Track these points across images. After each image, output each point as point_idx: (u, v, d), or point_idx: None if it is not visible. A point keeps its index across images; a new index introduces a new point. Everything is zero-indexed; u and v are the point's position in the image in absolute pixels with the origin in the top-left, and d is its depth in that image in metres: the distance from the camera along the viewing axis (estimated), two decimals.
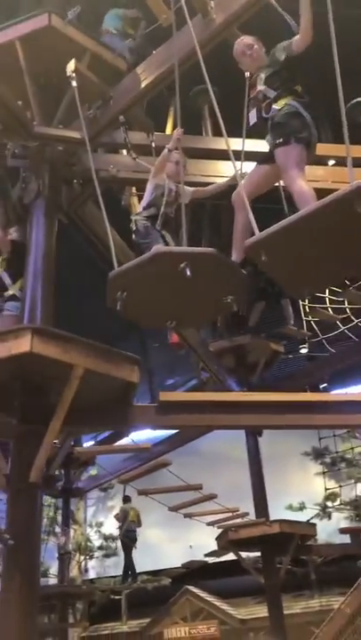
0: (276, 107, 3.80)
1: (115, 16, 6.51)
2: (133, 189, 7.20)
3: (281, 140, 3.68)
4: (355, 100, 6.80)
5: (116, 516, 14.37)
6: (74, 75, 4.68)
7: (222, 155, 6.83)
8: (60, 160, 5.19)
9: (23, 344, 3.62)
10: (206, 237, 9.87)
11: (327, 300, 10.69)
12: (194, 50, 4.64)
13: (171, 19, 4.85)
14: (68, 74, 4.70)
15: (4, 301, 5.37)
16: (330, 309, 10.63)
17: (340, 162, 6.47)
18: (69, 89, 4.81)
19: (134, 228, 4.31)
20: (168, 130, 7.04)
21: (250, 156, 4.46)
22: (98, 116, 5.27)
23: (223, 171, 6.73)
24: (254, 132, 4.13)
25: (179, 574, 15.55)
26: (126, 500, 13.73)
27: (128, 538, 14.07)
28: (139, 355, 4.46)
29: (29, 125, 5.13)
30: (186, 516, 8.17)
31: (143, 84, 5.11)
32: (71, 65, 4.74)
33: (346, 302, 10.48)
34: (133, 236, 4.34)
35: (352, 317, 11.09)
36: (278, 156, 3.71)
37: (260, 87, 3.94)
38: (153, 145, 5.61)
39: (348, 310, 10.91)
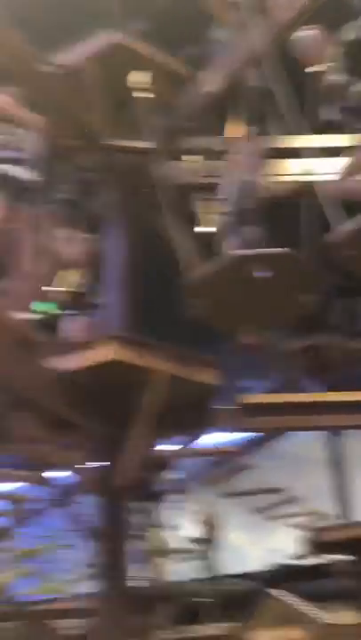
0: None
1: None
2: (203, 194, 7.23)
3: None
4: None
5: (201, 521, 14.40)
6: (139, 86, 4.79)
7: (289, 153, 6.79)
8: (132, 170, 5.30)
9: (107, 352, 3.72)
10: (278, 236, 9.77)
11: None
12: (256, 52, 4.67)
13: (233, 19, 4.89)
14: (134, 85, 4.82)
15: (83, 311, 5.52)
16: None
17: None
18: (137, 100, 4.93)
19: (217, 226, 4.31)
20: (235, 132, 7.03)
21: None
22: (167, 125, 5.35)
23: (290, 169, 6.66)
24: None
25: (265, 578, 15.40)
26: (205, 504, 13.76)
27: (209, 541, 14.09)
28: (214, 356, 4.49)
29: (100, 139, 5.28)
30: (269, 518, 8.10)
31: (209, 89, 5.14)
32: (137, 76, 4.86)
33: None
34: (216, 233, 4.33)
35: None
36: None
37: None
38: (221, 148, 5.61)
39: None
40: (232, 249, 4.00)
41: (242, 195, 4.20)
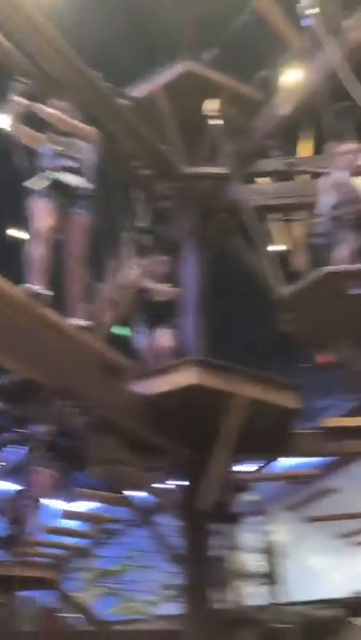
0: None
1: None
2: (277, 215, 7.23)
3: None
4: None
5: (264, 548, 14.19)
6: (213, 113, 4.89)
7: None
8: (207, 196, 5.40)
9: (189, 376, 3.77)
10: None
11: None
12: (328, 73, 4.66)
13: (303, 44, 4.92)
14: (208, 113, 4.92)
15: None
16: None
17: None
18: (210, 127, 5.03)
19: (315, 231, 4.31)
20: (305, 152, 7.01)
21: None
22: (240, 149, 5.41)
23: None
24: None
25: (345, 604, 14.84)
26: (269, 533, 13.62)
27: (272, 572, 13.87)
28: (289, 377, 4.44)
29: (176, 167, 5.41)
30: (351, 544, 7.83)
31: (282, 113, 5.17)
32: (211, 104, 4.97)
33: None
34: (314, 238, 4.33)
35: None
36: None
37: None
38: (292, 169, 5.62)
39: None
40: (325, 264, 3.95)
41: (341, 208, 4.17)
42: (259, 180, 6.96)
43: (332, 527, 7.98)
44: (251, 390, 3.94)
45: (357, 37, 4.64)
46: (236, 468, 6.11)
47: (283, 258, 8.22)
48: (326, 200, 4.39)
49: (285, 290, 3.54)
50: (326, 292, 3.39)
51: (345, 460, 10.14)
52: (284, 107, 5.20)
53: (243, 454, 5.19)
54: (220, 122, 4.80)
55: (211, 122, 4.98)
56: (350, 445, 4.41)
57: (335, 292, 3.32)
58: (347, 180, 4.33)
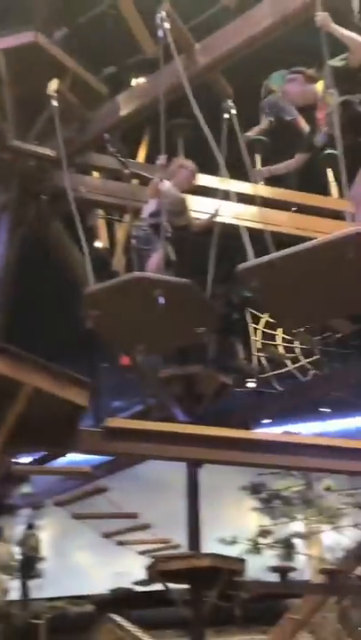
0: None
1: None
2: (101, 212, 7.25)
3: None
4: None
5: (17, 542, 14.15)
6: (55, 94, 4.73)
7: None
8: (31, 175, 5.19)
9: None
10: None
11: (279, 338, 10.92)
12: (175, 86, 4.81)
13: (156, 52, 5.00)
14: (50, 93, 4.75)
15: None
16: (281, 348, 10.87)
17: (303, 209, 6.73)
18: (49, 107, 4.85)
19: (134, 234, 4.37)
20: (141, 157, 7.15)
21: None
22: (74, 137, 5.31)
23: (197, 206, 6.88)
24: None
25: (103, 601, 15.26)
26: (30, 526, 13.64)
27: (27, 565, 13.88)
28: (87, 374, 4.47)
29: (4, 137, 5.13)
30: (119, 543, 8.06)
31: (122, 113, 5.20)
32: (53, 84, 4.80)
33: (297, 343, 10.73)
34: (133, 241, 4.39)
35: (300, 358, 11.36)
36: None
37: (334, 101, 3.83)
38: (126, 171, 5.68)
39: (297, 350, 11.16)
40: (139, 269, 4.04)
41: (159, 216, 4.28)
42: (95, 174, 6.94)
43: (102, 525, 8.13)
44: (39, 381, 3.86)
45: (205, 61, 4.87)
46: (15, 459, 5.94)
47: (103, 256, 8.29)
48: (149, 207, 4.52)
49: (93, 287, 3.52)
50: (132, 296, 3.44)
51: (124, 460, 10.47)
52: (125, 107, 5.24)
53: (24, 446, 5.06)
54: (58, 104, 4.64)
55: (50, 101, 4.79)
56: (130, 447, 4.52)
57: (140, 298, 3.39)
58: (171, 192, 4.50)
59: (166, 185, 4.52)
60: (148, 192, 4.47)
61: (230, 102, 4.75)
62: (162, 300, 3.29)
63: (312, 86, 4.01)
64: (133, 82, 6.37)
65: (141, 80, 5.90)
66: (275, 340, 10.95)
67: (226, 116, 4.66)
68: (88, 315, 3.49)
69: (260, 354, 11.22)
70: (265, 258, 3.14)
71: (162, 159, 4.39)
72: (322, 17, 3.66)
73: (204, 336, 3.67)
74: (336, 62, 3.71)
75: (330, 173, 7.85)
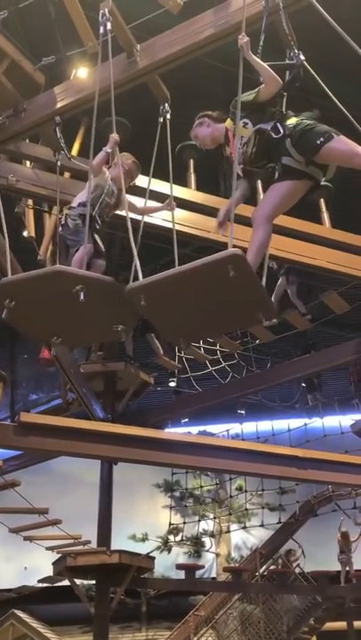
0: (289, 123, 3.80)
1: None
2: (30, 201, 7.12)
3: (323, 138, 3.67)
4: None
5: None
6: None
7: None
8: None
9: None
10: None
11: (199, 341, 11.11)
12: (114, 84, 4.81)
13: (95, 48, 4.97)
14: None
15: None
16: (202, 349, 11.07)
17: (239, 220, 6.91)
18: None
19: (63, 222, 4.29)
20: (74, 151, 7.08)
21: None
22: (7, 125, 5.19)
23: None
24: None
25: (7, 597, 14.97)
26: None
27: None
28: (4, 365, 4.40)
29: None
30: (26, 538, 7.94)
31: (59, 105, 5.13)
32: None
33: (218, 345, 10.96)
34: (60, 229, 4.32)
35: (221, 360, 11.62)
36: (332, 149, 3.67)
37: (249, 131, 3.84)
38: (59, 163, 5.60)
39: (218, 353, 11.40)
40: (64, 260, 4.00)
41: (86, 206, 4.25)
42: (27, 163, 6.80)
43: (12, 520, 7.99)
44: None
45: (143, 64, 4.89)
46: None
47: (30, 245, 8.14)
48: (80, 197, 4.46)
49: (9, 277, 3.45)
50: (50, 289, 3.40)
51: (36, 455, 10.30)
52: (62, 100, 5.17)
53: None
54: None
55: None
56: (43, 443, 4.48)
57: (59, 291, 3.36)
58: (109, 182, 4.46)
59: (106, 174, 4.49)
60: (94, 168, 4.34)
61: (167, 106, 4.82)
62: (82, 296, 3.29)
63: (220, 126, 4.16)
64: (72, 74, 6.29)
65: (81, 73, 5.83)
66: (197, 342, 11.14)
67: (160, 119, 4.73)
68: (2, 305, 3.43)
69: (181, 354, 11.37)
70: (150, 278, 3.23)
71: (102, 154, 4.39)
72: (243, 42, 3.78)
73: (122, 333, 3.70)
74: (246, 97, 3.86)
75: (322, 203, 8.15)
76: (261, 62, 3.84)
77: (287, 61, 4.15)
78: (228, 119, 4.04)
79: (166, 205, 4.63)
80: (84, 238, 4.04)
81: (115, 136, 4.27)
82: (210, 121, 4.17)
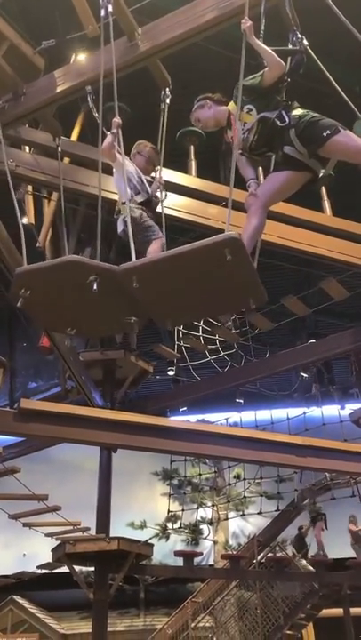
0: (295, 114, 3.76)
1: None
2: (30, 188, 7.07)
3: (329, 131, 3.64)
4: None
5: None
6: None
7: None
8: None
9: None
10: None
11: (200, 329, 11.10)
12: (115, 67, 4.76)
13: (96, 31, 4.91)
14: None
15: None
16: (202, 339, 11.07)
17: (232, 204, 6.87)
18: None
19: (127, 217, 3.87)
20: (74, 137, 7.04)
21: None
22: (6, 108, 5.14)
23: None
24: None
25: (6, 583, 15.05)
26: None
27: None
28: (3, 352, 4.38)
29: None
30: (25, 525, 7.96)
31: (59, 89, 5.07)
32: None
33: (217, 335, 10.96)
34: (122, 226, 4.03)
35: (220, 349, 11.62)
36: (338, 143, 3.65)
37: (253, 118, 3.80)
38: (59, 149, 5.55)
39: (217, 342, 11.40)
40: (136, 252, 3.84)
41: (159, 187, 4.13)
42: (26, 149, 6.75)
43: (11, 507, 8.00)
44: None
45: (145, 47, 4.83)
46: None
47: (29, 232, 8.10)
48: (123, 188, 4.20)
49: (25, 267, 3.42)
50: (66, 279, 3.38)
51: (36, 442, 10.32)
52: (62, 84, 5.11)
53: None
54: None
55: None
56: (43, 429, 4.48)
57: (73, 281, 3.33)
58: (133, 173, 4.30)
59: (128, 165, 4.31)
60: (105, 152, 4.19)
61: (167, 91, 4.77)
62: (94, 287, 3.27)
63: (223, 108, 4.10)
64: (73, 58, 6.23)
65: (81, 57, 5.77)
66: (197, 331, 11.14)
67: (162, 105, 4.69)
68: (18, 295, 3.41)
69: (181, 343, 11.37)
70: (143, 259, 3.20)
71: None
72: (246, 26, 3.73)
73: (134, 325, 3.68)
74: (250, 81, 3.81)
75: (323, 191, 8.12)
76: (265, 46, 3.80)
77: (290, 47, 4.12)
78: (232, 102, 3.99)
79: (157, 183, 4.49)
80: (153, 231, 3.95)
81: (117, 120, 4.19)
82: (211, 103, 4.12)
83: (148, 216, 4.07)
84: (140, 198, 4.14)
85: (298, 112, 3.82)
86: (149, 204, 4.18)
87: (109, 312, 3.72)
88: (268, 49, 3.79)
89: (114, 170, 4.06)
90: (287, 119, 3.78)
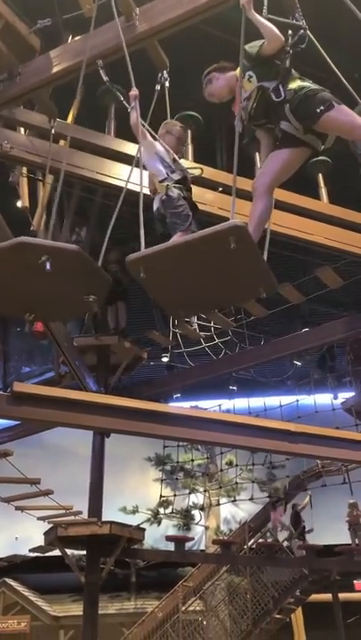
0: (291, 87, 3.69)
1: None
2: (24, 169, 7.00)
3: (322, 107, 3.57)
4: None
5: None
6: None
7: (119, 157, 6.91)
8: None
9: None
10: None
11: (195, 316, 11.08)
12: (112, 49, 4.69)
13: (93, 11, 4.83)
14: None
15: None
16: (196, 325, 11.05)
17: (228, 190, 6.82)
18: None
19: (163, 198, 3.81)
20: (69, 119, 6.94)
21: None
22: (1, 89, 5.07)
23: (118, 172, 6.79)
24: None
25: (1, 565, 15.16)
26: None
27: None
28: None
29: None
30: (18, 508, 7.98)
31: (54, 70, 5.00)
32: None
33: (211, 322, 10.94)
34: (158, 205, 3.88)
35: (214, 337, 11.62)
36: (332, 119, 3.58)
37: (252, 85, 3.75)
38: (53, 131, 5.48)
39: (212, 329, 11.39)
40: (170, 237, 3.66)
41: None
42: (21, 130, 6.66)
43: (4, 490, 8.02)
44: None
45: (142, 28, 4.75)
46: None
47: (23, 215, 8.02)
48: (159, 168, 4.07)
49: None
50: (17, 262, 3.30)
51: (29, 426, 10.31)
52: (58, 64, 5.04)
53: None
54: None
55: None
56: (36, 412, 4.45)
57: (26, 264, 3.26)
58: (166, 154, 4.18)
59: (157, 145, 4.07)
60: (135, 127, 4.05)
61: (165, 73, 4.71)
62: (47, 267, 3.22)
63: (231, 73, 4.04)
64: (69, 39, 6.13)
65: (77, 38, 5.68)
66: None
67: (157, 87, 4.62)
68: None
69: (175, 329, 11.36)
70: (150, 249, 3.12)
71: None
72: (245, 1, 3.68)
73: (94, 304, 3.62)
74: (250, 49, 3.76)
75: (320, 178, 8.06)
76: (264, 20, 3.74)
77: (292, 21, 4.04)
78: (238, 68, 3.91)
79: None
80: (184, 221, 3.71)
81: (134, 92, 4.07)
82: (217, 74, 4.06)
83: (184, 198, 3.89)
84: (176, 176, 3.98)
85: (294, 85, 3.74)
86: (185, 181, 4.05)
87: (67, 294, 3.64)
88: (268, 23, 3.73)
89: (141, 150, 3.89)
90: (283, 94, 3.71)
